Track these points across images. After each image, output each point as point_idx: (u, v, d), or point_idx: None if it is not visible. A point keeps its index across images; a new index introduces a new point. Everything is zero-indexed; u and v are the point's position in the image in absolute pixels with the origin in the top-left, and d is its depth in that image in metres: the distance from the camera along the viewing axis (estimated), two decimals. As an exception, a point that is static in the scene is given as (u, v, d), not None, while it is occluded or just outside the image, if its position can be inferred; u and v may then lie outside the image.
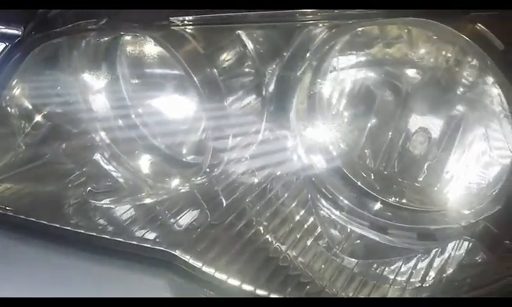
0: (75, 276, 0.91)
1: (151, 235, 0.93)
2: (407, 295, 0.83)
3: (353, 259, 0.88)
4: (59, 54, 0.99)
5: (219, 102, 0.88)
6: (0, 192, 1.05)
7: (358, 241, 0.90)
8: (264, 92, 0.91)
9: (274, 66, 0.90)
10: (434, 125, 0.88)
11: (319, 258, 0.89)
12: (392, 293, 0.84)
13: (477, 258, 0.83)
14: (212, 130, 0.90)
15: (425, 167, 0.90)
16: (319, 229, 0.92)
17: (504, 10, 0.72)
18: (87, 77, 0.99)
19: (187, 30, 0.88)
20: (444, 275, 0.83)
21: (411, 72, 0.87)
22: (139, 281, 0.87)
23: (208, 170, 0.92)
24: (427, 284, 0.83)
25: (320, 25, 0.82)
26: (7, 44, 0.95)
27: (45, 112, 1.07)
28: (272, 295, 0.83)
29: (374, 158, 0.92)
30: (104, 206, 0.99)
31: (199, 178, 0.94)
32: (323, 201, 0.91)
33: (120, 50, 0.99)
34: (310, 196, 0.93)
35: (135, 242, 0.91)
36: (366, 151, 0.93)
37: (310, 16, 0.81)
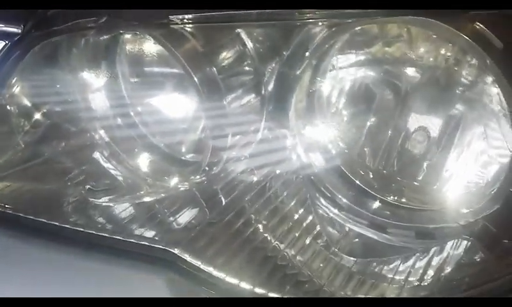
0: (74, 274, 0.91)
1: (150, 233, 0.93)
2: (405, 294, 0.83)
3: (352, 258, 0.88)
4: (59, 52, 0.99)
5: (218, 100, 0.88)
6: (0, 190, 1.05)
7: (357, 240, 0.90)
8: (263, 91, 0.91)
9: (273, 64, 0.90)
10: (434, 124, 0.88)
11: (318, 257, 0.89)
12: (390, 292, 0.84)
13: (476, 257, 0.83)
14: (212, 128, 0.90)
15: (424, 166, 0.90)
16: (317, 228, 0.92)
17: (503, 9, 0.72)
18: (86, 75, 0.99)
19: (186, 28, 0.88)
20: (442, 274, 0.83)
21: (410, 71, 0.87)
22: (137, 279, 0.87)
23: (207, 168, 0.92)
24: (426, 283, 0.83)
25: (320, 23, 0.82)
26: (6, 42, 0.95)
27: (45, 111, 1.07)
28: (271, 294, 0.83)
29: (373, 157, 0.93)
30: (103, 204, 0.99)
31: (198, 177, 0.95)
32: (322, 200, 0.91)
33: (119, 49, 0.99)
34: (308, 194, 0.93)
35: (134, 240, 0.91)
36: (365, 150, 0.93)
37: (310, 14, 0.81)
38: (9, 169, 1.06)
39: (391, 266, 0.87)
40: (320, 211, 0.92)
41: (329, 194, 0.91)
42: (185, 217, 0.96)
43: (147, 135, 1.03)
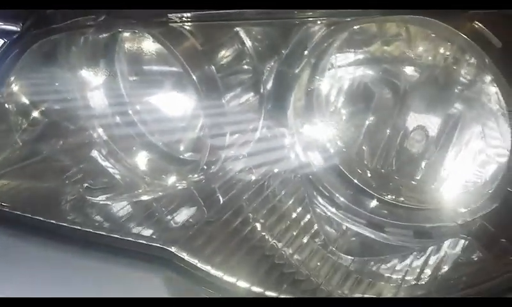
0: (72, 273, 0.91)
1: (147, 232, 0.93)
2: (402, 293, 0.83)
3: (349, 257, 0.88)
4: (58, 50, 0.99)
5: (216, 99, 0.88)
6: (-2, 188, 1.05)
7: (354, 239, 0.90)
8: (261, 89, 0.91)
9: (272, 63, 0.90)
10: (432, 123, 0.88)
11: (315, 256, 0.89)
12: (387, 291, 0.84)
13: (473, 257, 0.83)
14: (210, 127, 0.90)
15: (423, 165, 0.90)
16: (315, 227, 0.92)
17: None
18: (85, 73, 0.99)
19: (185, 27, 0.88)
20: (439, 273, 0.83)
21: (409, 70, 0.87)
22: (135, 278, 0.87)
23: (205, 167, 0.92)
24: (423, 282, 0.83)
25: (319, 22, 0.82)
26: (5, 40, 0.95)
27: (43, 109, 1.07)
28: (268, 292, 0.83)
29: (372, 156, 0.93)
30: (101, 202, 0.99)
31: (196, 175, 0.95)
32: (319, 199, 0.91)
33: (118, 47, 0.99)
34: (306, 193, 0.93)
35: (131, 239, 0.91)
36: (363, 148, 0.94)
37: (308, 13, 0.81)
38: (7, 167, 1.06)
39: (388, 265, 0.87)
40: (318, 210, 0.92)
41: (327, 193, 0.91)
42: (182, 215, 0.96)
43: (145, 133, 1.03)
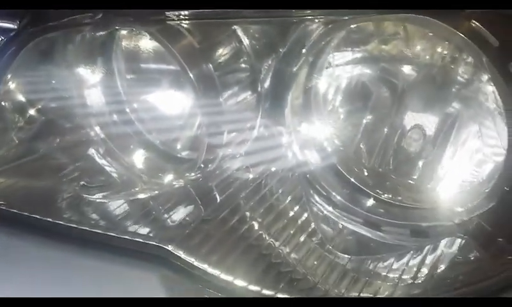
0: (68, 271, 0.90)
1: (144, 230, 0.92)
2: (399, 292, 0.83)
3: (346, 256, 0.88)
4: (55, 48, 0.99)
5: (214, 97, 0.88)
6: (-6, 186, 1.05)
7: (350, 237, 0.90)
8: (259, 88, 0.91)
9: (270, 62, 0.90)
10: (429, 122, 0.88)
11: (312, 255, 0.89)
12: (384, 289, 0.84)
13: (470, 256, 0.83)
14: (207, 125, 0.90)
15: (420, 164, 0.90)
16: (312, 226, 0.92)
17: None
18: (82, 71, 0.99)
19: (182, 25, 0.88)
20: (436, 272, 0.83)
21: (407, 69, 0.87)
22: (131, 276, 0.87)
23: (202, 166, 0.92)
24: (419, 281, 0.83)
25: (316, 20, 0.82)
26: (2, 38, 0.95)
27: (39, 107, 1.06)
28: (265, 291, 0.83)
29: (369, 155, 0.93)
30: (97, 200, 0.99)
31: (193, 174, 0.94)
32: (316, 197, 0.91)
33: (115, 45, 0.99)
34: (304, 192, 0.93)
35: (128, 237, 0.90)
36: (361, 147, 0.94)
37: (306, 11, 0.81)
38: (3, 165, 1.06)
39: (385, 264, 0.87)
40: (315, 208, 0.92)
41: (324, 192, 0.91)
42: (179, 214, 0.96)
43: (143, 131, 1.03)
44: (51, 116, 1.06)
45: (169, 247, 0.87)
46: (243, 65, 0.91)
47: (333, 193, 0.91)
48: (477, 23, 0.72)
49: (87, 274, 0.89)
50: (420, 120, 0.89)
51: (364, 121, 0.92)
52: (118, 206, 0.99)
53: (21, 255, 0.93)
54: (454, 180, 0.87)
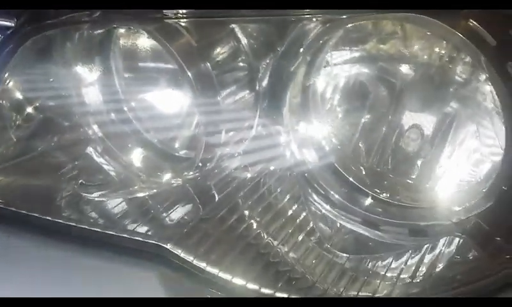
0: (67, 269, 0.90)
1: (142, 229, 0.92)
2: (397, 291, 0.83)
3: (344, 255, 0.88)
4: (53, 46, 0.98)
5: (212, 96, 0.88)
6: (-8, 184, 1.05)
7: (348, 236, 0.90)
8: (257, 87, 0.91)
9: (267, 60, 0.90)
10: (427, 121, 0.88)
11: (311, 254, 0.89)
12: (383, 288, 0.84)
13: (468, 255, 0.83)
14: (205, 124, 0.90)
15: (418, 164, 0.90)
16: (311, 225, 0.92)
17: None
18: (80, 69, 0.99)
19: (180, 23, 0.88)
20: (434, 271, 0.83)
21: (405, 68, 0.87)
22: (130, 274, 0.87)
23: (200, 164, 0.92)
24: (417, 280, 0.83)
25: (314, 19, 0.82)
26: (0, 36, 0.95)
27: (37, 105, 1.06)
28: (263, 289, 0.83)
29: (367, 154, 0.93)
30: (96, 199, 0.99)
31: (191, 173, 0.94)
32: (315, 196, 0.91)
33: (113, 43, 0.98)
34: (302, 191, 0.93)
35: (126, 235, 0.91)
36: (359, 147, 0.93)
37: (304, 10, 0.81)
38: (1, 163, 1.06)
39: (383, 263, 0.87)
40: (313, 208, 0.92)
41: (322, 191, 0.91)
42: (178, 212, 0.96)
43: (140, 130, 1.03)
44: (49, 114, 1.06)
45: (168, 246, 0.87)
46: (241, 64, 0.91)
47: (331, 192, 0.91)
48: (475, 23, 0.72)
49: (86, 272, 0.89)
50: (418, 120, 0.89)
51: (362, 120, 0.92)
52: (116, 204, 0.99)
53: (20, 254, 0.93)
54: (452, 180, 0.87)
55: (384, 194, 0.90)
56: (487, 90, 0.81)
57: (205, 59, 0.88)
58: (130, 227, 0.93)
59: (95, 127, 1.01)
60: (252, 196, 0.95)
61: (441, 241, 0.86)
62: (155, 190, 0.99)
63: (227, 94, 0.90)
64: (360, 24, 0.85)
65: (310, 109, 0.91)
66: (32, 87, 1.04)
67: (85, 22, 0.92)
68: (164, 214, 0.97)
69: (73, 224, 0.94)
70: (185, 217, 0.95)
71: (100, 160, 1.02)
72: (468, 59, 0.82)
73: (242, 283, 0.84)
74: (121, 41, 0.98)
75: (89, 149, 1.02)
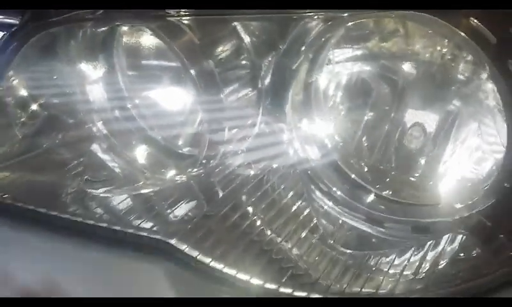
0: (72, 264, 0.91)
1: (147, 225, 0.93)
2: (400, 286, 0.83)
3: (347, 251, 0.89)
4: (57, 43, 0.99)
5: (215, 94, 0.88)
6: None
7: (350, 232, 0.91)
8: (259, 85, 0.91)
9: (270, 58, 0.90)
10: (430, 119, 0.88)
11: (314, 250, 0.89)
12: (386, 284, 0.84)
13: (471, 252, 0.83)
14: (208, 122, 0.91)
15: (420, 161, 0.90)
16: (314, 221, 0.92)
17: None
18: (84, 67, 0.99)
19: (183, 21, 0.88)
20: (437, 268, 0.83)
21: (407, 66, 0.87)
22: (135, 270, 0.88)
23: (204, 161, 0.93)
24: (420, 277, 0.83)
25: (316, 17, 0.82)
26: (4, 33, 0.95)
27: (42, 102, 1.06)
28: (267, 285, 0.83)
29: (370, 152, 0.93)
30: (101, 195, 0.99)
31: (195, 170, 0.95)
32: (318, 193, 0.91)
33: (116, 41, 0.98)
34: (305, 187, 0.93)
35: (132, 231, 0.91)
36: (362, 144, 0.93)
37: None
38: (7, 160, 1.06)
39: (387, 260, 0.87)
40: (316, 204, 0.92)
41: (325, 188, 0.91)
42: (182, 209, 0.97)
43: (144, 128, 1.03)
44: (54, 111, 1.07)
45: (173, 241, 0.87)
46: (243, 62, 0.91)
47: (334, 189, 0.91)
48: (476, 21, 0.72)
49: (91, 266, 0.90)
50: (421, 117, 0.88)
51: (365, 117, 0.92)
52: (121, 201, 0.99)
53: (26, 248, 0.94)
54: (454, 177, 0.87)
55: (386, 191, 0.90)
56: (489, 88, 0.81)
57: (208, 56, 0.88)
58: (135, 223, 0.94)
59: (100, 124, 1.02)
60: (255, 193, 0.96)
61: (444, 238, 0.86)
62: (159, 187, 1.00)
63: (230, 91, 0.90)
64: (362, 22, 0.85)
65: (313, 106, 0.91)
66: (36, 84, 1.04)
67: (88, 19, 0.93)
68: (169, 210, 0.97)
69: (79, 219, 0.94)
70: (190, 214, 0.95)
71: (104, 157, 1.02)
72: (469, 57, 0.82)
73: (246, 278, 0.84)
74: (125, 39, 0.99)
75: (94, 146, 1.03)
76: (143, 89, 1.01)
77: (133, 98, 1.02)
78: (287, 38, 0.86)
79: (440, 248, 0.86)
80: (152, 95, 1.00)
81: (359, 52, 0.89)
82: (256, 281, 0.84)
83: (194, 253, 0.87)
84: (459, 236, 0.85)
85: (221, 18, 0.88)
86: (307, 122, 0.91)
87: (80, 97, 1.01)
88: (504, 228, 0.79)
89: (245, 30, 0.89)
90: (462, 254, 0.84)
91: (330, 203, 0.91)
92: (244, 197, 0.95)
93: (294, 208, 0.95)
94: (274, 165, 0.95)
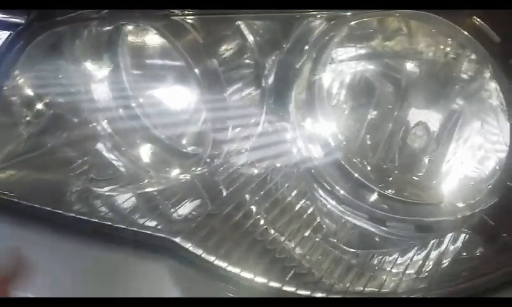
0: (77, 262, 0.92)
1: (151, 223, 0.93)
2: (403, 286, 0.83)
3: (351, 250, 0.89)
4: (62, 43, 0.99)
5: (219, 93, 0.89)
6: (4, 178, 1.05)
7: (352, 231, 0.91)
8: (263, 84, 0.91)
9: (273, 57, 0.90)
10: (433, 118, 0.88)
11: (317, 250, 0.90)
12: (388, 283, 0.84)
13: (474, 251, 0.83)
14: (212, 121, 0.91)
15: (424, 160, 0.90)
16: (317, 221, 0.93)
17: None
18: (89, 66, 1.00)
19: (187, 20, 0.88)
20: (440, 267, 0.83)
21: (410, 65, 0.87)
22: (139, 267, 0.88)
23: (208, 160, 0.93)
24: (423, 276, 0.83)
25: (319, 16, 0.82)
26: (11, 32, 0.96)
27: (47, 101, 1.06)
28: (272, 283, 0.84)
29: (374, 151, 0.93)
30: (106, 193, 1.00)
31: (199, 168, 0.95)
32: (321, 192, 0.91)
33: (121, 40, 0.99)
34: (308, 186, 0.93)
35: (136, 229, 0.92)
36: (365, 143, 0.93)
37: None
38: (12, 158, 1.07)
39: (390, 259, 0.88)
40: (319, 203, 0.92)
41: (328, 187, 0.91)
42: (186, 208, 0.97)
43: (149, 126, 1.04)
44: (59, 110, 1.07)
45: (177, 240, 0.88)
46: (247, 61, 0.91)
47: (337, 187, 0.91)
48: (479, 20, 0.72)
49: (96, 264, 0.91)
50: (424, 116, 0.88)
51: (368, 116, 0.92)
52: (126, 199, 1.00)
53: (31, 246, 0.95)
54: (457, 176, 0.87)
55: (390, 190, 0.90)
56: (492, 87, 0.81)
57: (212, 55, 0.88)
58: (139, 221, 0.94)
59: (104, 123, 1.02)
60: (259, 192, 0.96)
61: (447, 237, 0.86)
62: (163, 186, 1.00)
63: (234, 91, 0.90)
64: (365, 21, 0.85)
65: (316, 105, 0.91)
66: (42, 83, 1.04)
67: (93, 19, 0.93)
68: (173, 209, 0.97)
69: (84, 217, 0.95)
70: (194, 212, 0.95)
71: (109, 155, 1.02)
72: (473, 56, 0.81)
73: (250, 277, 0.85)
74: (129, 38, 0.99)
75: (99, 145, 1.03)
76: (147, 88, 1.01)
77: (137, 97, 1.02)
78: (291, 37, 0.86)
79: (443, 247, 0.86)
80: (156, 94, 1.01)
81: (362, 51, 0.89)
82: (260, 280, 0.84)
83: (199, 251, 0.87)
84: (462, 236, 0.85)
85: (225, 17, 0.88)
86: (310, 121, 0.91)
87: (85, 96, 1.01)
88: (507, 226, 0.79)
89: (249, 29, 0.90)
90: (465, 253, 0.84)
91: (333, 202, 0.91)
92: (247, 196, 0.96)
93: (297, 207, 0.95)
94: (278, 164, 0.95)
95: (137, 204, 0.99)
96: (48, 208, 0.96)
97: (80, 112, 1.04)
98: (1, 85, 1.00)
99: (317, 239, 0.91)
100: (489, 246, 0.81)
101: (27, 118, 1.07)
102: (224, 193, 0.97)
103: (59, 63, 1.01)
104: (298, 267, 0.86)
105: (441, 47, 0.84)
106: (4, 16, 0.95)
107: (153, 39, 0.97)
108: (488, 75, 0.81)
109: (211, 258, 0.87)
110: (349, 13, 0.80)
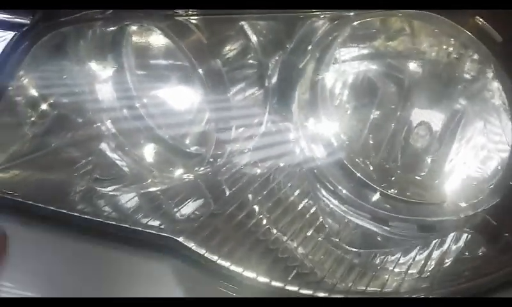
0: (81, 260, 0.92)
1: (155, 223, 0.94)
2: (405, 285, 0.83)
3: (353, 250, 0.89)
4: (67, 43, 0.99)
5: (222, 93, 0.89)
6: (9, 178, 1.06)
7: (355, 230, 0.91)
8: (266, 84, 0.91)
9: (276, 57, 0.90)
10: (436, 118, 0.88)
11: (319, 249, 0.90)
12: (391, 283, 0.84)
13: (476, 250, 0.83)
14: (216, 121, 0.91)
15: (426, 160, 0.90)
16: (320, 220, 0.93)
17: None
18: (93, 66, 1.00)
19: (191, 20, 0.88)
20: (442, 266, 0.83)
21: (413, 65, 0.87)
22: (143, 266, 0.89)
23: (211, 160, 0.93)
24: (425, 275, 0.83)
25: (322, 16, 0.83)
26: (16, 33, 0.96)
27: (52, 101, 1.07)
28: (274, 282, 0.84)
29: (376, 150, 0.93)
30: (110, 193, 1.00)
31: (202, 168, 0.95)
32: (323, 192, 0.91)
33: (125, 41, 0.99)
34: (311, 186, 0.93)
35: (139, 228, 0.92)
36: (368, 143, 0.93)
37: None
38: (17, 158, 1.07)
39: (392, 258, 0.88)
40: (322, 203, 0.92)
41: (331, 187, 0.91)
42: (189, 207, 0.97)
43: (152, 126, 1.04)
44: (63, 110, 1.07)
45: (180, 239, 0.88)
46: (250, 61, 0.92)
47: (340, 187, 0.91)
48: (482, 20, 0.72)
49: (100, 263, 0.91)
50: (427, 116, 0.88)
51: (371, 116, 0.92)
52: (129, 199, 1.00)
53: (35, 246, 0.95)
54: (460, 176, 0.87)
55: (392, 190, 0.90)
56: (494, 87, 0.81)
57: (215, 56, 0.89)
58: (143, 221, 0.94)
59: (108, 123, 1.02)
60: (262, 192, 0.96)
61: (450, 237, 0.86)
62: (167, 185, 1.00)
63: (237, 91, 0.91)
64: (368, 21, 0.85)
65: (319, 105, 0.91)
66: (46, 84, 1.05)
67: (98, 19, 0.93)
68: (176, 209, 0.98)
69: (88, 217, 0.95)
70: (197, 212, 0.96)
71: (113, 155, 1.02)
72: (475, 56, 0.81)
73: (253, 276, 0.85)
74: (134, 39, 0.99)
75: (103, 145, 1.03)
76: (151, 88, 1.01)
77: (141, 97, 1.02)
78: (294, 37, 0.86)
79: (445, 247, 0.86)
80: (160, 94, 1.01)
81: (365, 51, 0.89)
82: (262, 279, 0.84)
83: (202, 251, 0.87)
84: (465, 235, 0.85)
85: (229, 17, 0.89)
86: (313, 121, 0.91)
87: (90, 96, 1.01)
88: (509, 226, 0.79)
89: (252, 29, 0.90)
90: (467, 253, 0.84)
91: (336, 202, 0.91)
92: (250, 196, 0.96)
93: (300, 206, 0.95)
94: (281, 164, 0.96)
95: (140, 203, 0.99)
96: (52, 208, 0.97)
97: (84, 112, 1.05)
98: (6, 85, 1.00)
99: (319, 239, 0.91)
100: (492, 246, 0.81)
101: (32, 118, 1.07)
102: (227, 193, 0.97)
103: (63, 64, 1.01)
104: (300, 267, 0.86)
105: (444, 46, 0.84)
106: (9, 16, 0.96)
107: (157, 39, 0.97)
108: (490, 75, 0.81)
109: (214, 257, 0.87)
110: (352, 13, 0.80)
